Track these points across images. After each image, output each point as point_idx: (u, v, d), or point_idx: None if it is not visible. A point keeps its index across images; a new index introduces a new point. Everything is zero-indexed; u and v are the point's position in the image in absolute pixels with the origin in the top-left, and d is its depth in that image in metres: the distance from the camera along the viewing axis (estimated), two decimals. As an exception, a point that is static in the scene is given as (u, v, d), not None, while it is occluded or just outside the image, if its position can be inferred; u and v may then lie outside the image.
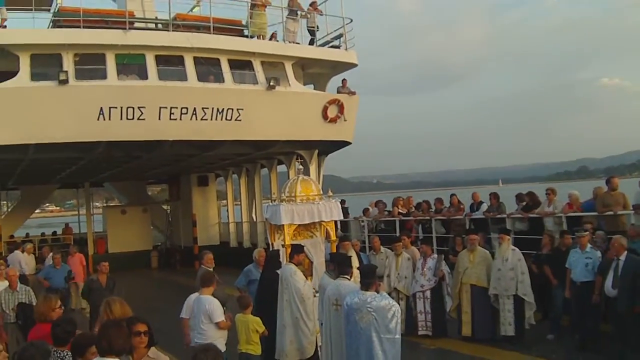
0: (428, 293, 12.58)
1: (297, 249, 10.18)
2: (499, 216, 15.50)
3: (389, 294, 12.50)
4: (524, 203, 15.24)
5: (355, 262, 10.14)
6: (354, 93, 22.16)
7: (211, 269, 11.14)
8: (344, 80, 22.44)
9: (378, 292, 7.74)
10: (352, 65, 22.63)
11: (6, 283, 11.74)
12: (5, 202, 35.35)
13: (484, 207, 16.17)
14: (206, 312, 8.66)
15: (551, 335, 11.82)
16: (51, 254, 16.88)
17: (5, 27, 17.66)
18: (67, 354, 5.84)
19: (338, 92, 22.14)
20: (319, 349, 9.97)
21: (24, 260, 18.14)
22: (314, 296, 10.19)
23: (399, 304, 12.58)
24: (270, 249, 11.04)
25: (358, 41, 23.01)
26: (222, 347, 8.42)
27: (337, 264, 8.99)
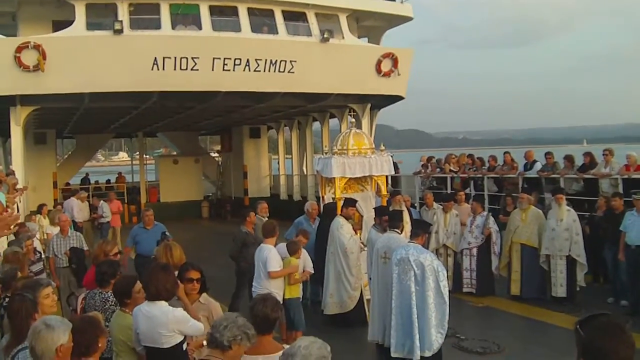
0: (475, 251, 12.48)
1: (348, 202, 10.16)
2: (553, 176, 15.18)
3: (437, 250, 12.52)
4: (581, 164, 14.83)
5: (406, 217, 10.07)
6: None
7: (265, 219, 11.14)
8: None
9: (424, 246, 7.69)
10: (408, 19, 22.29)
11: (58, 229, 12.05)
12: (60, 155, 36.01)
13: (538, 166, 15.83)
14: (264, 260, 8.59)
15: (612, 298, 11.53)
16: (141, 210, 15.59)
17: None
18: (110, 295, 5.97)
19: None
20: (365, 302, 10.02)
21: (77, 207, 18.62)
22: (362, 250, 10.20)
23: (447, 261, 12.59)
24: (327, 201, 11.04)
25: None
26: (279, 299, 8.11)
27: (389, 218, 8.94)
